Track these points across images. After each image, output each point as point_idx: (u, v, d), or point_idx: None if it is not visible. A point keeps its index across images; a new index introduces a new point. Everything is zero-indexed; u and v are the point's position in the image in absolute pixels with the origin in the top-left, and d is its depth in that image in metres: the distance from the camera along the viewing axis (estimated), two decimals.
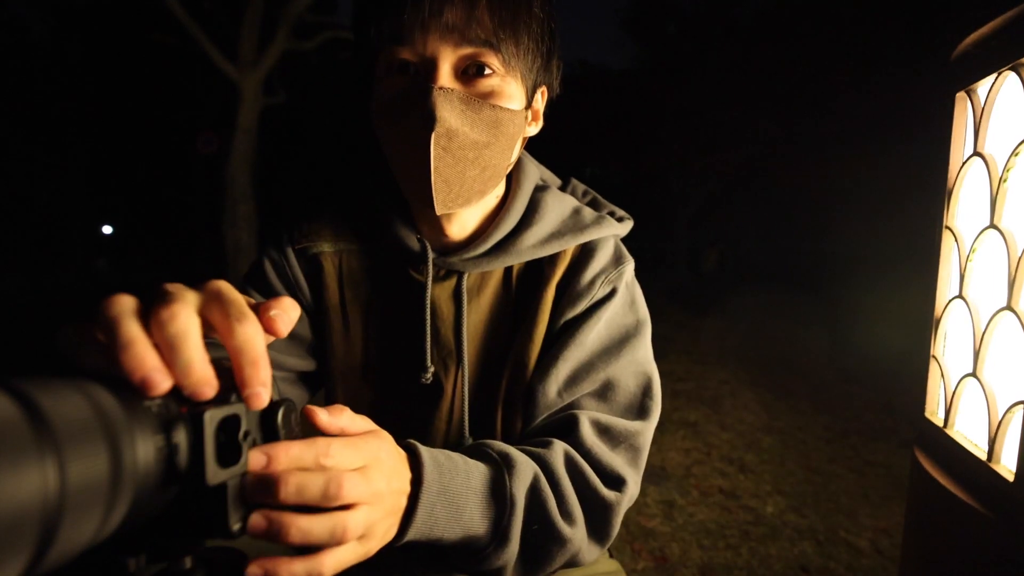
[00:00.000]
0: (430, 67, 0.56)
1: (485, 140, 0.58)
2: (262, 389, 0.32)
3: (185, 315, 0.30)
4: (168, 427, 0.28)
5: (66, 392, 0.24)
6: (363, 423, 0.43)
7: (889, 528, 2.14)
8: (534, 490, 0.55)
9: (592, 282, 0.67)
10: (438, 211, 0.59)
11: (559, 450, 0.59)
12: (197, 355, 0.30)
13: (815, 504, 2.32)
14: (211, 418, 0.30)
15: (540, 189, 0.72)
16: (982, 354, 0.71)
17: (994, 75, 0.71)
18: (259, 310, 0.34)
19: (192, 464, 0.29)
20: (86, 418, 0.24)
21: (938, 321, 0.84)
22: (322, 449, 0.37)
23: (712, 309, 7.97)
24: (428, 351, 0.67)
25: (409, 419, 0.70)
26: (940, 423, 0.81)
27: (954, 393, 0.78)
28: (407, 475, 0.46)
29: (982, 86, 0.75)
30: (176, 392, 0.30)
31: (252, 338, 0.32)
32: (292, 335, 0.71)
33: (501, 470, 0.54)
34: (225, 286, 0.33)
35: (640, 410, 0.66)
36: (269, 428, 0.35)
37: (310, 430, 0.39)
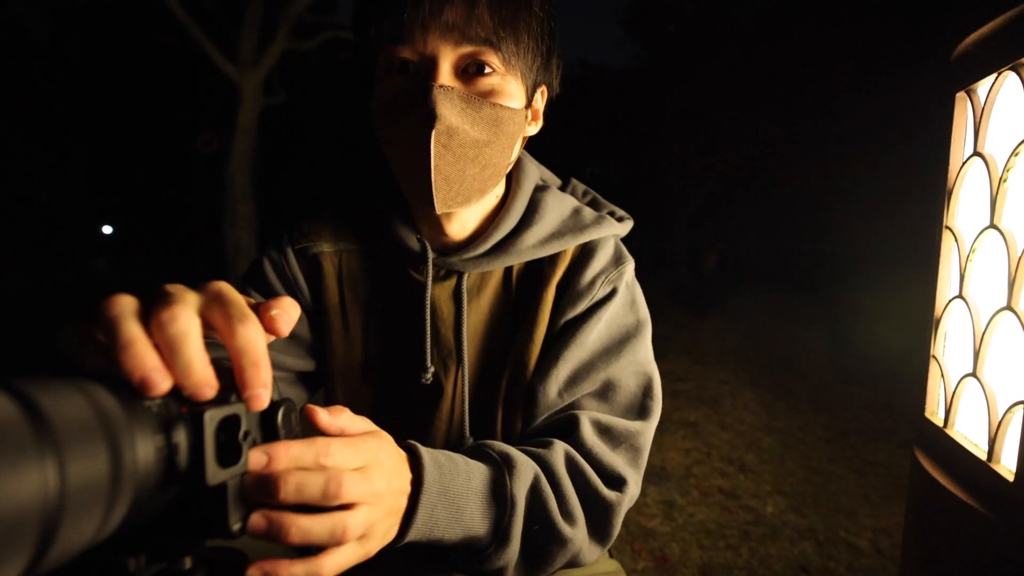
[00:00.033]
0: (430, 66, 0.56)
1: (485, 138, 0.58)
2: (263, 391, 0.32)
3: (185, 316, 0.30)
4: (168, 427, 0.28)
5: (66, 392, 0.24)
6: (363, 424, 0.43)
7: (889, 528, 2.14)
8: (535, 490, 0.55)
9: (592, 282, 0.67)
10: (438, 209, 0.59)
11: (560, 450, 0.59)
12: (197, 356, 0.30)
13: (815, 504, 2.32)
14: (211, 418, 0.30)
15: (540, 189, 0.72)
16: (982, 354, 0.71)
17: (994, 75, 0.71)
18: (260, 310, 0.34)
19: (192, 464, 0.29)
20: (86, 418, 0.24)
21: (938, 321, 0.84)
22: (322, 448, 0.37)
23: (712, 309, 7.97)
24: (428, 351, 0.67)
25: (409, 419, 0.70)
26: (940, 423, 0.81)
27: (954, 393, 0.78)
28: (407, 476, 0.46)
29: (982, 86, 0.75)
30: (176, 392, 0.30)
31: (253, 339, 0.32)
32: (291, 335, 0.71)
33: (502, 470, 0.54)
34: (226, 287, 0.33)
35: (641, 410, 0.66)
36: (269, 428, 0.35)
37: (310, 430, 0.39)
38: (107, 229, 18.04)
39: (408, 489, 0.46)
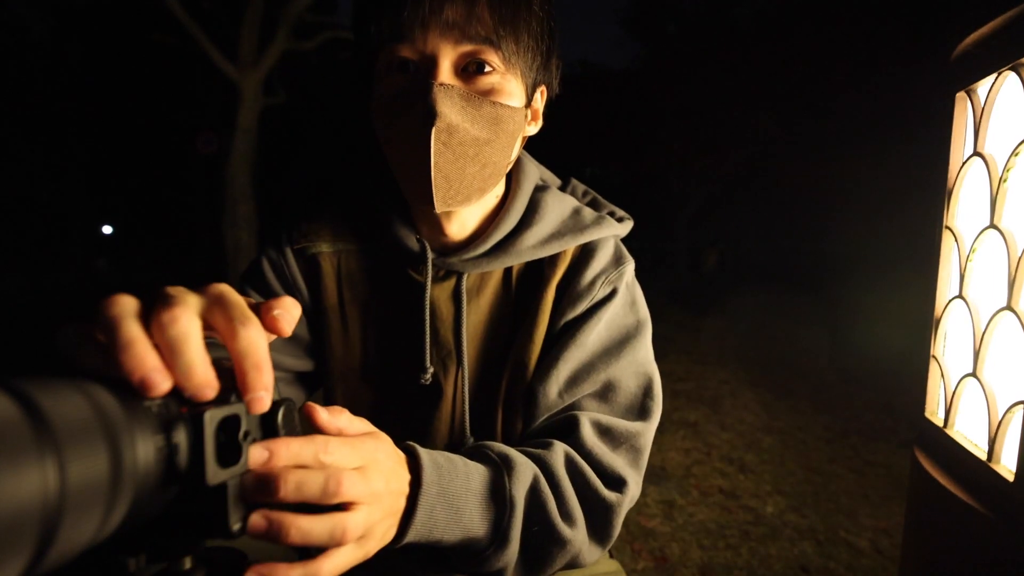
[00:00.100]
0: (430, 64, 0.56)
1: (485, 137, 0.58)
2: (264, 393, 0.32)
3: (186, 318, 0.30)
4: (168, 427, 0.28)
5: (66, 392, 0.24)
6: (361, 424, 0.43)
7: (889, 528, 2.14)
8: (534, 491, 0.55)
9: (592, 283, 0.67)
10: (438, 208, 0.59)
11: (559, 451, 0.59)
12: (198, 358, 0.30)
13: (815, 504, 2.32)
14: (211, 418, 0.30)
15: (540, 189, 0.71)
16: (982, 354, 0.71)
17: (994, 75, 0.71)
18: (261, 309, 0.34)
19: (192, 464, 0.29)
20: (86, 418, 0.24)
21: (938, 321, 0.84)
22: (321, 445, 0.37)
23: (712, 309, 7.97)
24: (427, 352, 0.67)
25: (409, 420, 0.70)
26: (940, 423, 0.81)
27: (954, 393, 0.78)
28: (406, 476, 0.46)
29: (982, 86, 0.75)
30: (176, 392, 0.30)
31: (255, 342, 0.32)
32: (290, 335, 0.71)
33: (501, 471, 0.54)
34: (227, 289, 0.33)
35: (641, 411, 0.66)
36: (269, 428, 0.35)
37: (309, 429, 0.39)
38: (107, 229, 18.04)
39: (407, 490, 0.46)
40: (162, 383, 0.28)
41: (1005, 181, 0.69)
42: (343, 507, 0.38)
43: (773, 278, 12.74)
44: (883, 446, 2.96)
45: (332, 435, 0.40)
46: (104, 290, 0.30)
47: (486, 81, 0.57)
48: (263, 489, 0.34)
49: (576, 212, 0.70)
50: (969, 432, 0.76)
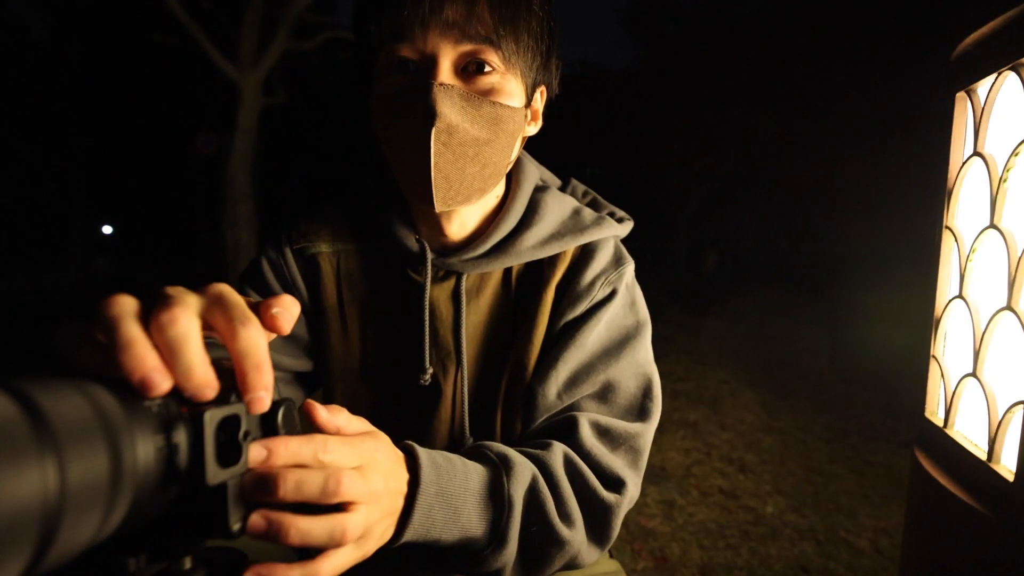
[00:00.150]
0: (430, 64, 0.56)
1: (485, 137, 0.58)
2: (264, 393, 0.32)
3: (186, 319, 0.30)
4: (168, 427, 0.28)
5: (66, 392, 0.24)
6: (359, 424, 0.43)
7: (889, 528, 2.14)
8: (532, 492, 0.55)
9: (592, 283, 0.67)
10: (438, 208, 0.59)
11: (558, 452, 0.59)
12: (198, 358, 0.30)
13: (815, 504, 2.32)
14: (211, 418, 0.30)
15: (540, 189, 0.71)
16: (982, 354, 0.71)
17: (994, 75, 0.71)
18: (260, 308, 0.34)
19: (192, 464, 0.29)
20: (86, 418, 0.24)
21: (938, 321, 0.84)
22: (320, 445, 0.37)
23: (712, 309, 7.97)
24: (427, 352, 0.67)
25: (408, 421, 0.70)
26: (940, 423, 0.81)
27: (954, 393, 0.78)
28: (404, 476, 0.46)
29: (982, 86, 0.75)
30: (176, 392, 0.30)
31: (255, 342, 0.32)
32: (289, 335, 0.71)
33: (499, 472, 0.54)
34: (226, 289, 0.33)
35: (640, 412, 0.66)
36: (269, 428, 0.35)
37: (308, 428, 0.39)
38: (107, 229, 18.03)
39: (405, 489, 0.46)
40: (162, 383, 0.28)
41: (1005, 181, 0.69)
42: (342, 507, 0.38)
43: (773, 278, 12.74)
44: (883, 446, 2.96)
45: (330, 433, 0.40)
46: (104, 290, 0.30)
47: (486, 81, 0.57)
48: (262, 488, 0.34)
49: (576, 213, 0.70)
50: (969, 432, 0.76)
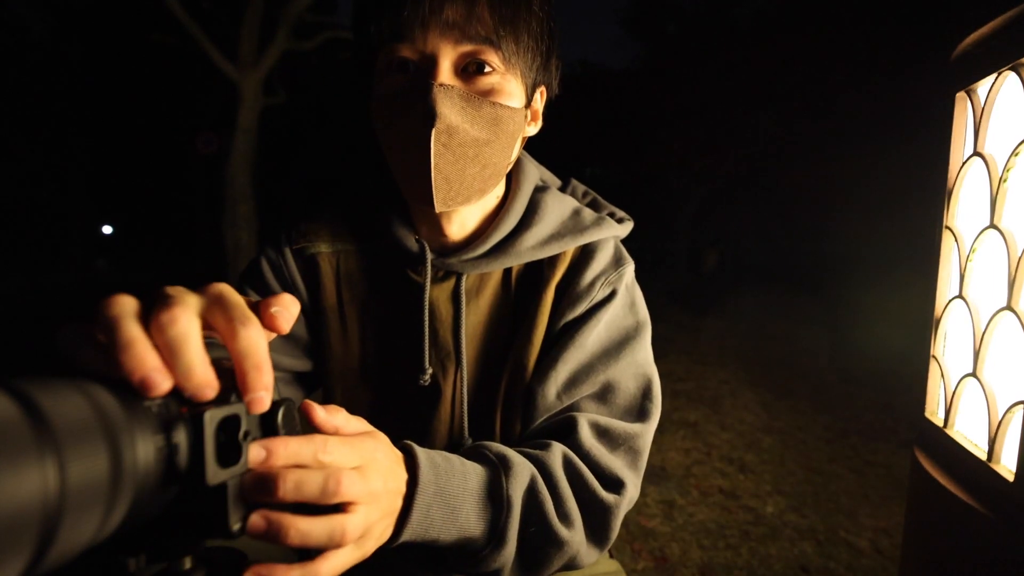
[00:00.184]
0: (430, 64, 0.56)
1: (485, 137, 0.58)
2: (265, 393, 0.32)
3: (186, 319, 0.30)
4: (168, 427, 0.28)
5: (66, 392, 0.24)
6: (358, 424, 0.43)
7: (889, 528, 2.14)
8: (531, 492, 0.55)
9: (592, 284, 0.67)
10: (438, 209, 0.59)
11: (557, 452, 0.59)
12: (198, 358, 0.30)
13: (815, 504, 2.32)
14: (211, 418, 0.30)
15: (540, 190, 0.71)
16: (982, 354, 0.71)
17: (994, 75, 0.71)
18: (260, 307, 0.34)
19: (192, 464, 0.29)
20: (86, 418, 0.24)
21: (938, 321, 0.84)
22: (320, 445, 0.37)
23: (712, 309, 7.97)
24: (426, 353, 0.67)
25: (408, 421, 0.70)
26: (940, 423, 0.81)
27: (954, 393, 0.78)
28: (403, 476, 0.46)
29: (982, 86, 0.75)
30: (176, 392, 0.30)
31: (255, 342, 0.32)
32: (289, 335, 0.71)
33: (498, 472, 0.54)
34: (226, 289, 0.33)
35: (640, 412, 0.66)
36: (269, 428, 0.35)
37: (309, 429, 0.39)
38: (107, 229, 18.03)
39: (404, 489, 0.46)
40: (162, 383, 0.28)
41: (1005, 181, 0.69)
42: (341, 507, 0.38)
43: (773, 278, 12.73)
44: (883, 446, 2.96)
45: (328, 433, 0.40)
46: (104, 290, 0.30)
47: (486, 81, 0.57)
48: (262, 488, 0.34)
49: (576, 213, 0.70)
50: (969, 432, 0.76)
